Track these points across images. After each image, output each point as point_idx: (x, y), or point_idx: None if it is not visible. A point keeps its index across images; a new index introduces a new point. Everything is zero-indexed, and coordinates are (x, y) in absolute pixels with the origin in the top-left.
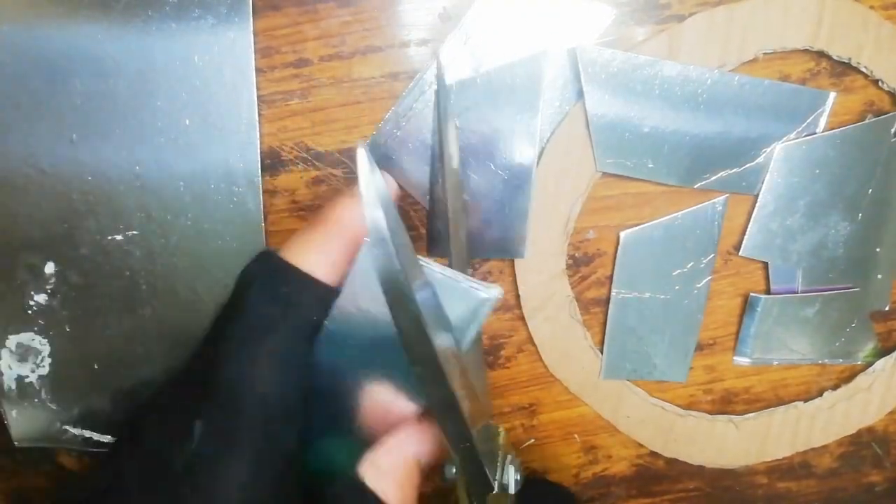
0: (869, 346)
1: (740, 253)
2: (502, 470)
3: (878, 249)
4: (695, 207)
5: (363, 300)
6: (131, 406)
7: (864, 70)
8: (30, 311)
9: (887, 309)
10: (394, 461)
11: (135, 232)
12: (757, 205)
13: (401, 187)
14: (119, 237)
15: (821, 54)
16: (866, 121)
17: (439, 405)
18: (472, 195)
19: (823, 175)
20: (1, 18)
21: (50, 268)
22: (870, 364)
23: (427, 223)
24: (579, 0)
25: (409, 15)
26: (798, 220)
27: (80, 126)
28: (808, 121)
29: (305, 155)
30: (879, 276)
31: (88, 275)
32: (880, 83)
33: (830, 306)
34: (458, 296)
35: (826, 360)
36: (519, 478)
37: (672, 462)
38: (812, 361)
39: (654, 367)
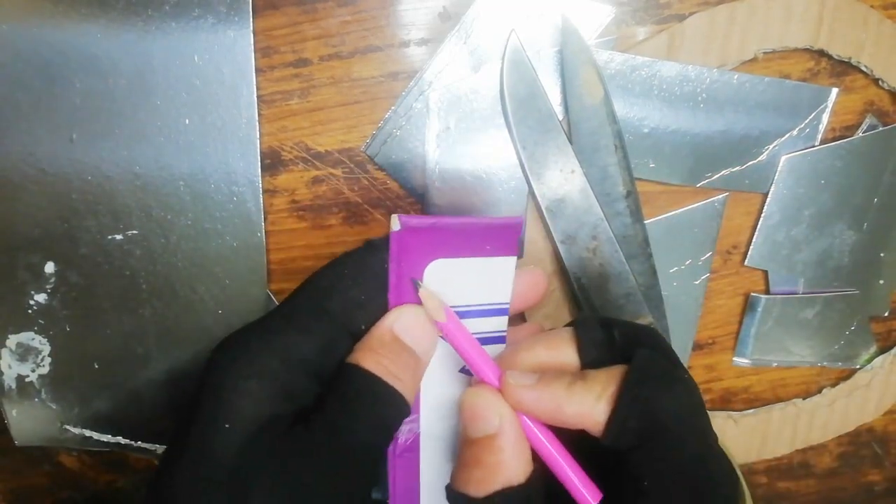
0: (868, 351)
1: (746, 263)
2: None
3: (882, 254)
4: (693, 206)
5: None
6: (131, 406)
7: (864, 69)
8: (30, 311)
9: (886, 315)
10: (368, 337)
11: (135, 231)
12: (762, 215)
13: (401, 187)
14: (119, 237)
15: (821, 53)
16: (874, 131)
17: None
18: (469, 196)
19: (829, 185)
20: (1, 18)
21: (50, 267)
22: None
23: None
24: None
25: (409, 14)
26: (803, 231)
27: (80, 125)
28: (811, 117)
29: (305, 155)
30: (881, 282)
31: (88, 274)
32: (881, 82)
33: (830, 308)
34: None
35: (825, 363)
36: None
37: None
38: (811, 364)
39: None
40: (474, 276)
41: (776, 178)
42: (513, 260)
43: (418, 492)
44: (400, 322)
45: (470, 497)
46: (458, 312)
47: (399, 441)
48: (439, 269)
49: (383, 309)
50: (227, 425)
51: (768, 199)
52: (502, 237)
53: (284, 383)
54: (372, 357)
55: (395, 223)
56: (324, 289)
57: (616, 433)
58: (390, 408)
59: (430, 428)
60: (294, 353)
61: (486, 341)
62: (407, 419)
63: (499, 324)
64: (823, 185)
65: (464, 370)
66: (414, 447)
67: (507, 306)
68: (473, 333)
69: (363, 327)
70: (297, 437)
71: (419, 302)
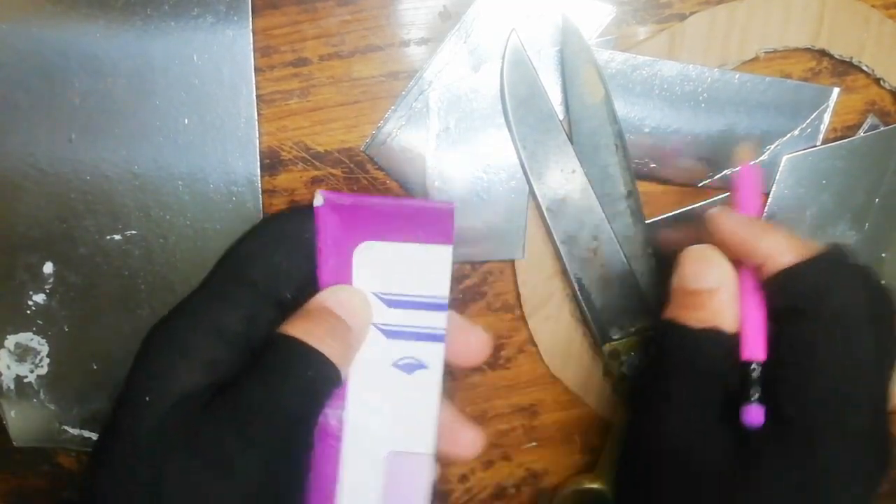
0: None
1: None
2: None
3: (883, 255)
4: (693, 206)
5: None
6: None
7: (865, 69)
8: (28, 311)
9: None
10: (300, 310)
11: (133, 232)
12: (763, 216)
13: (401, 187)
14: (118, 237)
15: (822, 53)
16: (876, 130)
17: None
18: (469, 196)
19: (830, 185)
20: (1, 18)
21: (48, 268)
22: None
23: None
24: None
25: (409, 14)
26: (805, 231)
27: (79, 125)
28: (812, 117)
29: (305, 155)
30: (882, 283)
31: (87, 275)
32: (882, 82)
33: None
34: None
35: None
36: None
37: None
38: None
39: None
40: (407, 263)
41: (777, 177)
42: (448, 249)
43: (337, 481)
44: (334, 296)
45: (688, 327)
46: (392, 301)
47: (325, 425)
48: (369, 252)
49: (308, 276)
50: (147, 398)
51: (769, 199)
52: (436, 223)
53: (206, 356)
54: (301, 325)
55: (319, 199)
56: (245, 257)
57: (791, 280)
58: (317, 373)
59: (357, 419)
60: (217, 325)
61: (421, 338)
62: (335, 406)
63: (436, 320)
64: (824, 185)
65: (397, 365)
66: (341, 435)
67: (445, 301)
68: (408, 327)
69: (288, 295)
70: (214, 409)
71: (349, 277)
